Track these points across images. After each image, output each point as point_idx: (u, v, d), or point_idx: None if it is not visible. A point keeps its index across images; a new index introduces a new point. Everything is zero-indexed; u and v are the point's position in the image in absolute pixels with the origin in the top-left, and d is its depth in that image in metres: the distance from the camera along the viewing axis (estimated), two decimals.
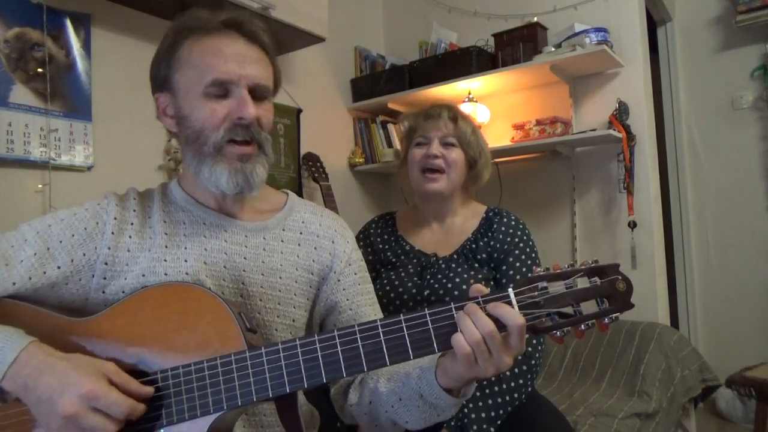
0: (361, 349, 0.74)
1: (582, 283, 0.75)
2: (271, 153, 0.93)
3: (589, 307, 0.75)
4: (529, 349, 1.32)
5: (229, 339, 0.77)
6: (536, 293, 0.73)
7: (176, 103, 0.91)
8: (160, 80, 0.92)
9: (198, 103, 0.88)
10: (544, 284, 0.74)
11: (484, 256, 1.40)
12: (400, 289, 1.39)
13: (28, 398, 0.71)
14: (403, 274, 1.42)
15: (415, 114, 1.53)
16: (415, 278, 1.41)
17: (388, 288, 1.40)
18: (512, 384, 1.28)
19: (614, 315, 0.73)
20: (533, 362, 1.32)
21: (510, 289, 0.74)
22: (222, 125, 0.87)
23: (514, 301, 0.73)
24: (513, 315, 0.71)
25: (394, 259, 1.48)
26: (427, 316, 0.74)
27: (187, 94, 0.89)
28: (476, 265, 1.39)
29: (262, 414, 0.91)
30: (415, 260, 1.45)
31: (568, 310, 0.74)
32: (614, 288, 0.74)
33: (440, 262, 1.42)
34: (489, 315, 0.72)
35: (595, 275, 0.74)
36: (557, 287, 0.74)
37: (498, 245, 1.40)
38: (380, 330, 0.74)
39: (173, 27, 0.91)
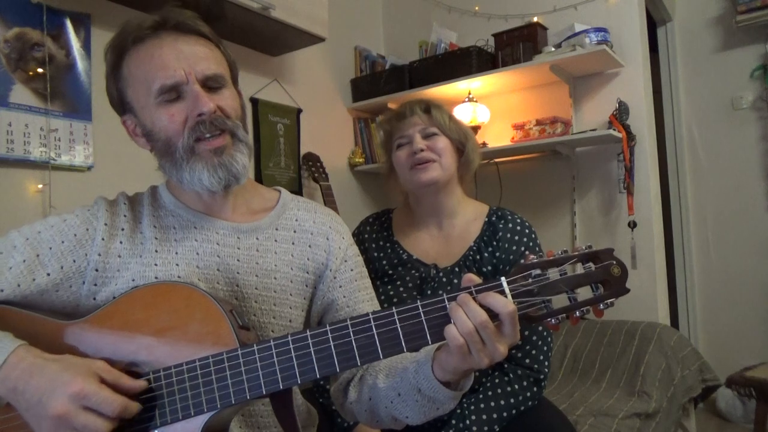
0: (353, 343, 0.73)
1: (577, 269, 0.74)
2: (247, 138, 0.91)
3: (584, 293, 0.74)
4: (536, 365, 1.29)
5: (221, 337, 0.76)
6: (530, 281, 0.73)
7: (138, 120, 0.90)
8: (117, 103, 0.92)
9: (156, 113, 0.86)
10: (538, 271, 0.73)
11: (489, 268, 1.34)
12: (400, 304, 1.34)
13: (18, 402, 0.71)
14: (401, 289, 1.36)
15: (388, 118, 1.47)
16: (414, 293, 1.35)
17: (386, 305, 1.31)
18: (520, 397, 1.26)
19: (609, 300, 0.72)
20: (542, 377, 1.29)
21: (503, 278, 0.73)
22: (185, 127, 0.85)
23: (507, 290, 0.72)
24: (503, 303, 0.71)
25: (390, 271, 1.41)
26: (420, 308, 0.74)
27: (144, 109, 0.88)
28: (480, 277, 1.34)
29: (259, 415, 0.91)
30: (413, 271, 1.38)
31: (563, 297, 0.73)
32: (609, 273, 0.72)
33: (440, 274, 1.35)
34: (481, 305, 0.72)
35: (589, 261, 0.74)
36: (551, 274, 0.73)
37: (504, 255, 1.33)
38: (372, 323, 0.74)
39: (109, 48, 0.90)
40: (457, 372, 0.78)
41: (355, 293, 1.01)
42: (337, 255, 1.00)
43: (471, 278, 0.76)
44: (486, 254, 1.35)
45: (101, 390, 0.69)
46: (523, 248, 1.34)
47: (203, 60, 0.87)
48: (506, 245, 1.34)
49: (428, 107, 1.42)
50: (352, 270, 1.02)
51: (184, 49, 0.86)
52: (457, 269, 1.36)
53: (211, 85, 0.88)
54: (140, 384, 0.74)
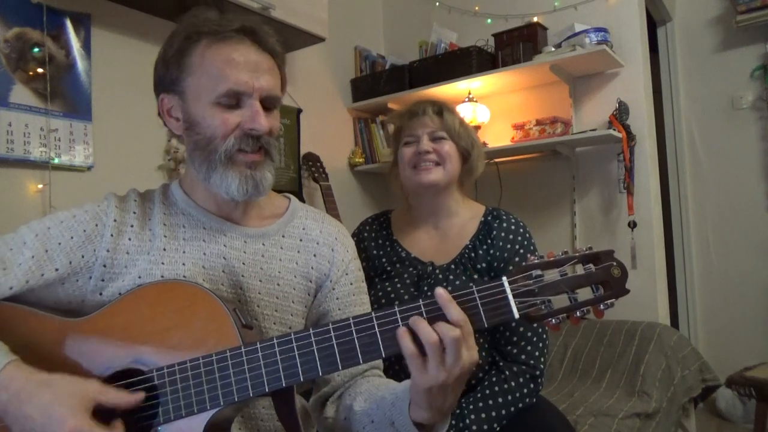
0: (356, 342, 0.74)
1: (577, 270, 0.74)
2: (277, 158, 0.93)
3: (585, 294, 0.74)
4: (532, 361, 1.29)
5: (224, 335, 0.76)
6: (530, 281, 0.73)
7: (185, 107, 0.90)
8: (168, 82, 0.91)
9: (209, 110, 0.87)
10: (539, 272, 0.73)
11: (483, 265, 1.36)
12: (396, 302, 1.35)
13: (10, 424, 0.70)
14: (398, 285, 1.38)
15: (400, 114, 1.49)
16: (411, 289, 1.37)
17: (383, 301, 1.36)
18: (517, 394, 1.26)
19: (609, 301, 0.73)
20: (538, 373, 1.29)
21: (504, 278, 0.73)
22: (232, 134, 0.87)
23: (508, 290, 0.73)
24: (446, 329, 0.71)
25: (389, 267, 1.43)
26: (422, 307, 0.74)
27: (198, 101, 0.88)
28: (475, 275, 1.35)
29: (259, 419, 0.91)
30: (411, 269, 1.40)
31: (564, 297, 0.73)
32: (609, 274, 0.73)
33: (437, 271, 1.37)
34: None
35: (589, 262, 0.74)
36: (552, 275, 0.73)
37: (498, 253, 1.35)
38: (375, 322, 0.74)
39: (183, 29, 0.90)
40: (428, 408, 0.77)
41: (350, 307, 1.01)
42: (339, 267, 1.01)
43: (439, 293, 0.73)
44: (480, 252, 1.37)
45: (93, 429, 0.69)
46: (517, 246, 1.36)
47: (270, 79, 0.90)
48: (500, 244, 1.36)
49: (441, 110, 1.43)
50: (351, 284, 1.03)
51: (258, 64, 0.88)
52: (453, 266, 1.38)
53: (267, 105, 0.90)
54: (137, 398, 0.74)
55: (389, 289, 1.38)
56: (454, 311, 0.71)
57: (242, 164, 0.88)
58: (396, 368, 1.29)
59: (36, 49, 1.65)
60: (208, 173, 0.89)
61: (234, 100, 0.87)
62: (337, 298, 1.00)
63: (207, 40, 0.88)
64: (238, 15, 0.91)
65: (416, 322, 0.72)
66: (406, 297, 1.36)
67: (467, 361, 0.72)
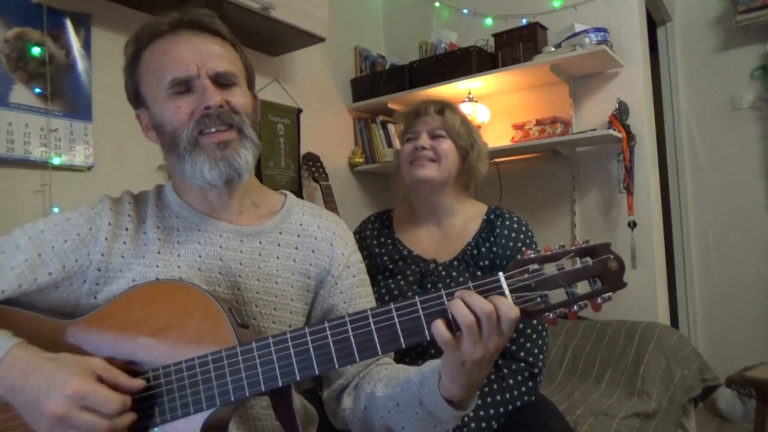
0: (352, 339, 0.73)
1: (574, 263, 0.73)
2: (254, 136, 0.91)
3: (583, 287, 0.73)
4: (531, 359, 1.29)
5: (220, 335, 0.76)
6: (527, 276, 0.72)
7: (150, 114, 0.91)
8: (133, 97, 0.93)
9: (164, 105, 0.87)
10: (535, 266, 0.72)
11: (486, 263, 1.37)
12: (400, 299, 1.35)
13: (16, 400, 0.71)
14: (402, 282, 1.39)
15: (405, 114, 1.53)
16: (415, 286, 1.37)
17: (387, 298, 1.37)
18: (515, 392, 1.26)
19: (607, 295, 0.72)
20: (536, 370, 1.30)
21: (500, 273, 0.73)
22: (191, 120, 0.86)
23: (504, 285, 0.72)
24: (508, 306, 0.70)
25: (391, 266, 1.44)
26: (418, 303, 0.73)
27: (156, 102, 0.89)
28: (478, 272, 1.36)
29: (257, 418, 0.91)
30: (414, 266, 1.41)
31: (561, 291, 0.72)
32: (606, 267, 0.72)
33: (440, 268, 1.38)
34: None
35: (586, 255, 0.73)
36: (549, 269, 0.72)
37: (501, 251, 1.36)
38: (371, 319, 0.74)
39: (128, 43, 0.91)
40: (460, 383, 0.77)
41: (356, 299, 1.00)
42: (340, 261, 1.00)
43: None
44: (483, 249, 1.38)
45: (99, 389, 0.69)
46: (519, 244, 1.38)
47: (216, 57, 0.88)
48: (503, 241, 1.38)
49: (443, 109, 1.46)
50: (354, 276, 1.02)
51: (198, 46, 0.88)
52: (455, 263, 1.39)
53: (222, 81, 0.88)
54: (138, 383, 0.74)
55: (392, 286, 1.39)
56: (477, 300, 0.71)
57: (209, 146, 0.86)
58: (406, 360, 1.29)
59: (36, 49, 1.65)
60: (182, 167, 0.88)
61: (183, 87, 0.86)
62: (342, 292, 0.99)
63: (149, 43, 0.89)
64: (180, 9, 0.90)
65: (455, 303, 0.71)
66: (409, 294, 1.36)
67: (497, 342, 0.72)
